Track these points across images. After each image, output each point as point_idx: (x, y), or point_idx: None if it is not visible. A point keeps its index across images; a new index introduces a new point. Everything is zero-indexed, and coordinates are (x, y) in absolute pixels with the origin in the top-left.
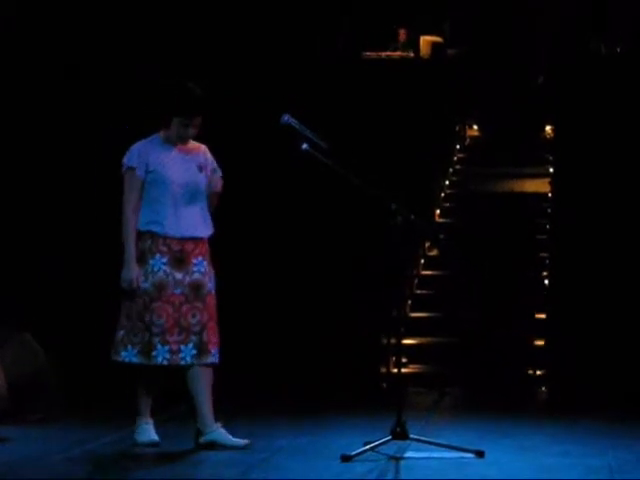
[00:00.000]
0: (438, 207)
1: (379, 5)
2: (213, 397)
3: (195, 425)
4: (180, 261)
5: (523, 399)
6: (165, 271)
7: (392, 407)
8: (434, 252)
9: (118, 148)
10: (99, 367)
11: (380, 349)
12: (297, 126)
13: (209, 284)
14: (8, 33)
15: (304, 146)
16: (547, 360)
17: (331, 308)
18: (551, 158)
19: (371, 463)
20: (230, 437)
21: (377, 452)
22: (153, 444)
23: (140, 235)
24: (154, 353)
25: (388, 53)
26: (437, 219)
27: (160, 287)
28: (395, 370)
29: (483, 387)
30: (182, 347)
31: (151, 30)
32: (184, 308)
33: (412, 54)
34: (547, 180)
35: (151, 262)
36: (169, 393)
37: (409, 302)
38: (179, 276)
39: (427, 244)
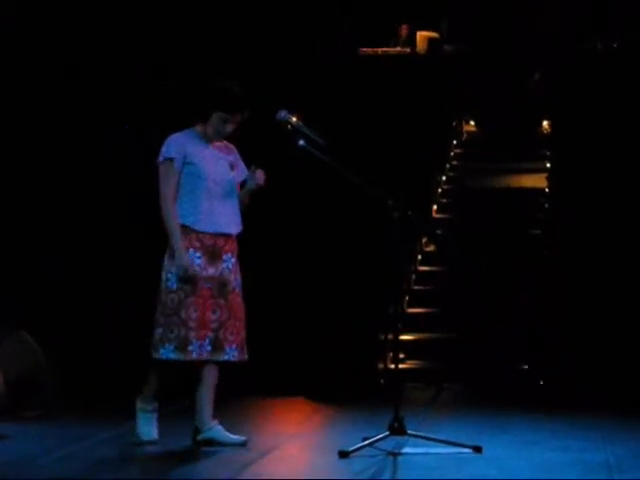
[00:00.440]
0: (435, 203)
1: (378, 3)
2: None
3: (193, 422)
4: (213, 256)
5: (521, 395)
6: (200, 265)
7: (390, 403)
8: (431, 248)
9: (118, 148)
10: (96, 365)
11: (378, 345)
12: (294, 122)
13: (234, 282)
14: (8, 33)
15: (301, 142)
16: (545, 356)
17: (329, 304)
18: (548, 153)
19: (369, 459)
20: (228, 434)
21: (375, 448)
22: (151, 442)
23: None
24: (190, 348)
25: (385, 49)
26: (434, 215)
27: (194, 282)
28: (393, 366)
29: (481, 383)
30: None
31: (151, 30)
32: (208, 303)
33: (409, 50)
34: (544, 175)
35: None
36: (174, 386)
37: (406, 298)
38: (211, 271)
39: (424, 240)
